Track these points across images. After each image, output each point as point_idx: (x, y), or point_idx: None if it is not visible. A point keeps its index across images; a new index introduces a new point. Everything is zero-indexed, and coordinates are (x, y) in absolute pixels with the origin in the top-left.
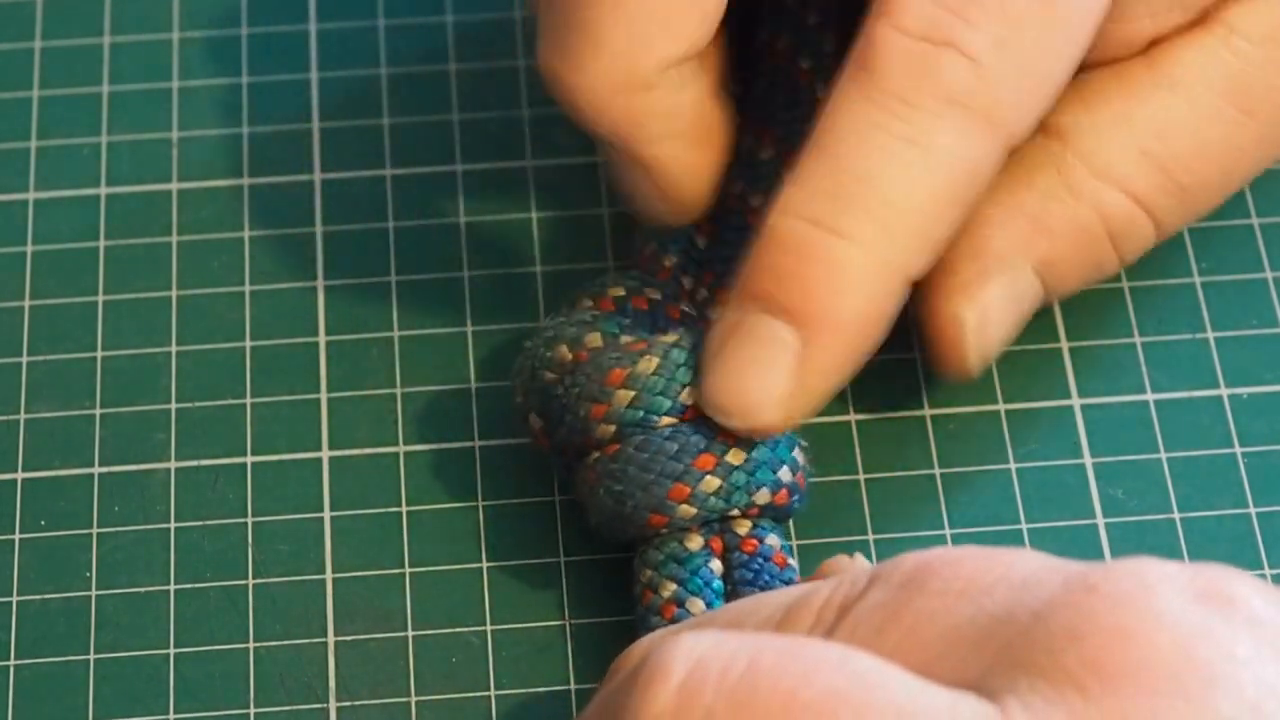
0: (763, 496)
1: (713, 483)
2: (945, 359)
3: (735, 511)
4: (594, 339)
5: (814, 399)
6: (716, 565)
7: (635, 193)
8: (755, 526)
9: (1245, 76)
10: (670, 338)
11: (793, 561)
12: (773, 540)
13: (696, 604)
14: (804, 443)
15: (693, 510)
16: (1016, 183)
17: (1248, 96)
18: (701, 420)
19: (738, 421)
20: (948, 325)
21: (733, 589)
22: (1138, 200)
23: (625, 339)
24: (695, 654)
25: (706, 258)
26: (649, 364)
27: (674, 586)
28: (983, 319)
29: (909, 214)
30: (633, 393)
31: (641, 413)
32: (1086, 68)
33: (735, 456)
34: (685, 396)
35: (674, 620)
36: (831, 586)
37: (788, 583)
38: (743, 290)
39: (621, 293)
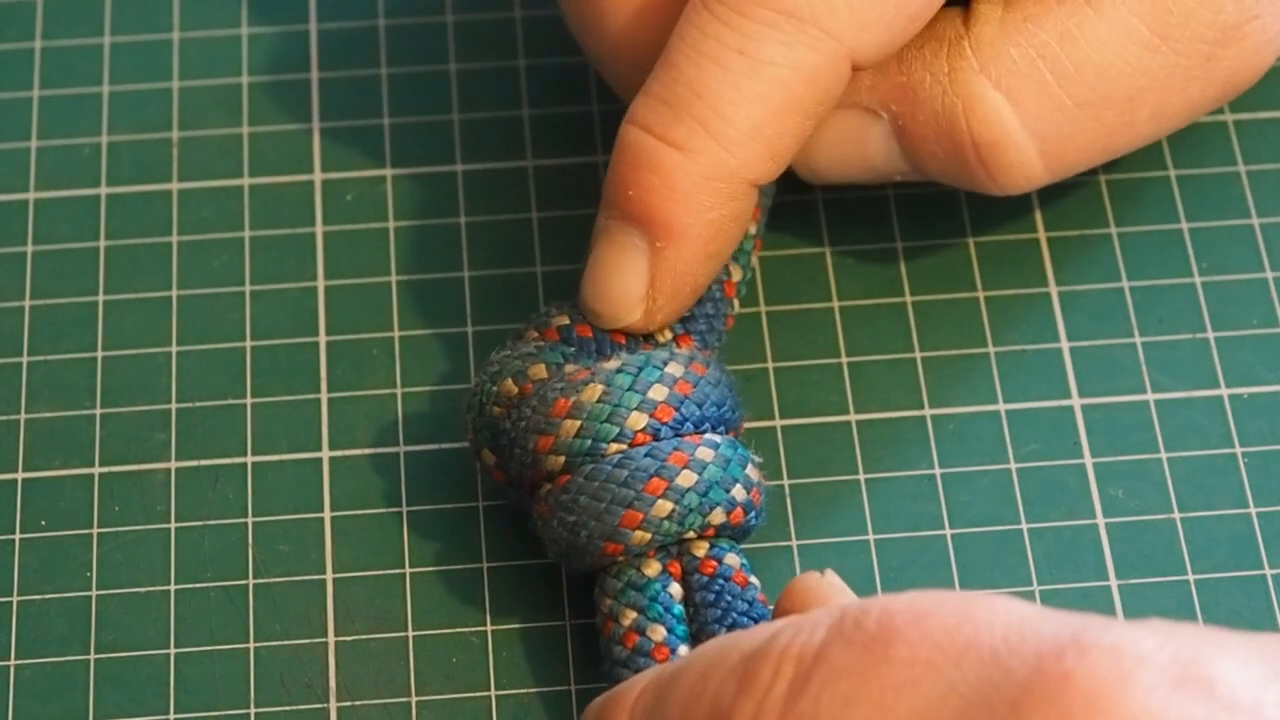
0: (717, 516)
1: (665, 507)
2: None
3: (691, 534)
4: (538, 370)
5: (670, 300)
6: (676, 590)
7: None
8: (713, 547)
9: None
10: (614, 363)
11: (754, 580)
12: (732, 559)
13: (658, 630)
14: (757, 459)
15: (647, 536)
16: (912, 45)
17: (1164, 20)
18: (653, 445)
19: (605, 322)
20: None
21: (694, 611)
22: (1015, 101)
23: (569, 368)
24: None
25: None
26: (593, 392)
27: (634, 614)
28: (816, 135)
29: (739, 124)
30: (578, 422)
31: (589, 442)
32: None
33: (686, 479)
34: (632, 422)
35: (636, 650)
36: (791, 633)
37: (750, 602)
38: (604, 197)
39: (565, 321)
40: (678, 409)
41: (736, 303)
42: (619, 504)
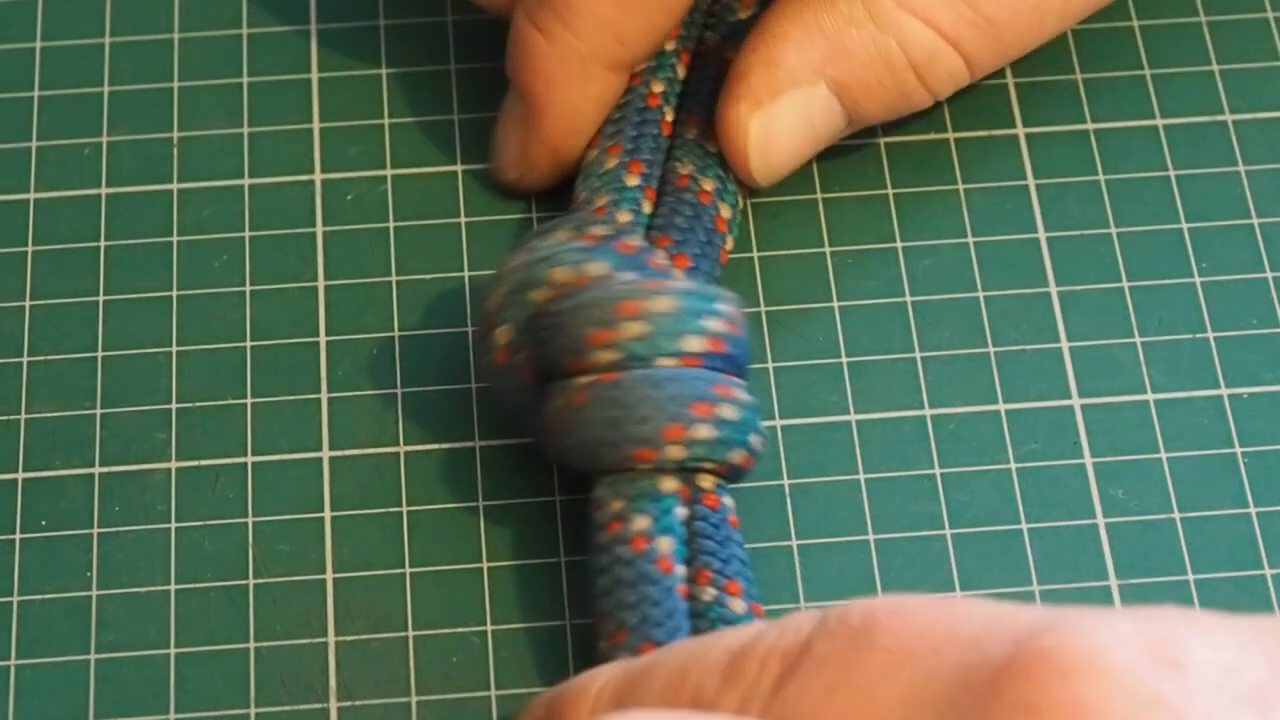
0: (737, 455)
1: (704, 430)
2: (732, 164)
3: (709, 465)
4: (598, 267)
5: (538, 166)
6: (682, 512)
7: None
8: (716, 486)
9: None
10: (681, 284)
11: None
12: (729, 501)
13: (664, 542)
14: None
15: (681, 453)
16: (821, 2)
17: None
18: (702, 370)
19: (493, 175)
20: (732, 129)
21: (691, 538)
22: (942, 33)
23: (628, 275)
24: None
25: (659, 223)
26: (664, 304)
27: (647, 521)
28: (768, 129)
29: (585, 14)
30: (644, 326)
31: (647, 348)
32: None
33: (727, 411)
34: (689, 344)
35: (643, 555)
36: (776, 632)
37: (739, 544)
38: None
39: (604, 233)
40: (728, 345)
41: (730, 239)
42: (666, 415)
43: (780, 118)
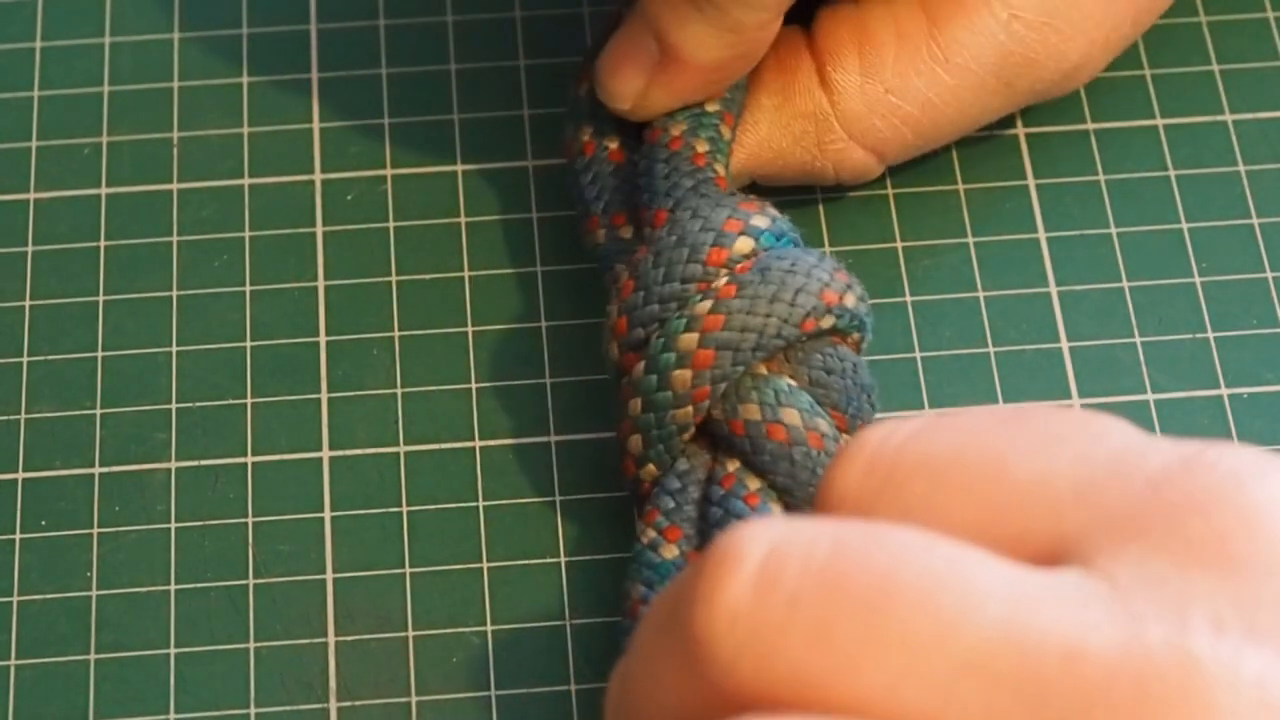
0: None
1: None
2: None
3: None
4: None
5: (656, 105)
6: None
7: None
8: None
9: (1014, 55)
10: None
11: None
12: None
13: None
14: None
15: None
16: (779, 119)
17: (1012, 71)
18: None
19: (601, 93)
20: None
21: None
22: (881, 157)
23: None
24: (770, 538)
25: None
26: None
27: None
28: None
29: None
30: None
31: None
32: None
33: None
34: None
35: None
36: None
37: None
38: (639, 6)
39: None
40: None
41: (717, 169)
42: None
43: None
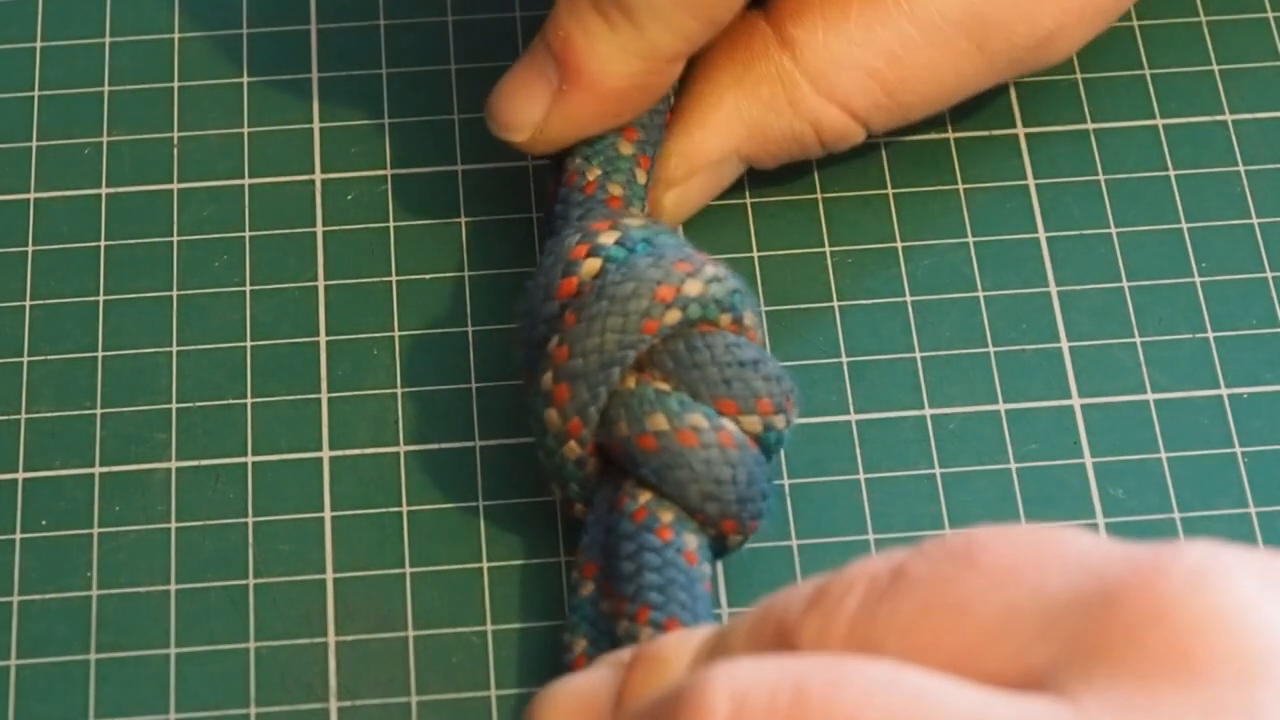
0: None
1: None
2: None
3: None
4: None
5: (556, 136)
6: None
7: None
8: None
9: (981, 13)
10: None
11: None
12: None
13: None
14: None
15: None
16: (742, 89)
17: (981, 31)
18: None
19: (497, 129)
20: (648, 204)
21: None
22: (855, 115)
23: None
24: (736, 687)
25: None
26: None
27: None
28: (681, 199)
29: (653, 7)
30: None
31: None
32: None
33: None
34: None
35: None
36: (865, 561)
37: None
38: (545, 24)
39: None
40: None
41: (633, 213)
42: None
43: (693, 188)
